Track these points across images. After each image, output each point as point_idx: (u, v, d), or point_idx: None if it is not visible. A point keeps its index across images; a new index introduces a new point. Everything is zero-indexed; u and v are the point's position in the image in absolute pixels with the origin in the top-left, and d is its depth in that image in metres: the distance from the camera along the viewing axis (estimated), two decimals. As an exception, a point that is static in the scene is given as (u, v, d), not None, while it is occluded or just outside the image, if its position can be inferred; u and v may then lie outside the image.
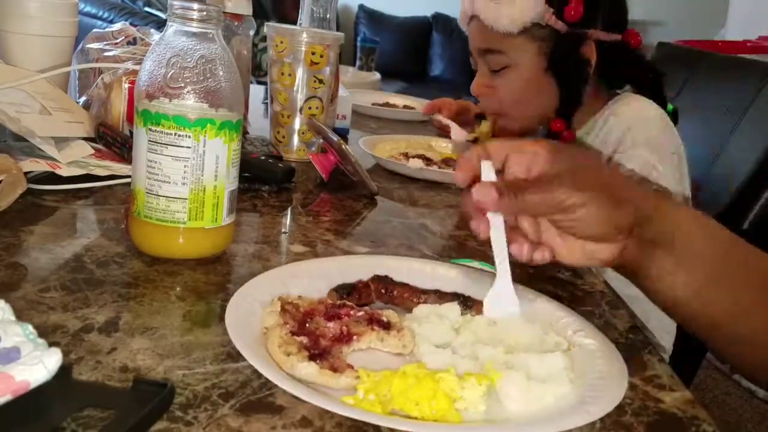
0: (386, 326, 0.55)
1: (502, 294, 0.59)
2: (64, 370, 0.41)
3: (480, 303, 0.61)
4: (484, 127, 1.45)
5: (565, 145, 0.58)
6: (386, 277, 0.63)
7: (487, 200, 0.54)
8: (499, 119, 1.22)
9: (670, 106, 1.20)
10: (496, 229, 0.57)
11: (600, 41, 1.12)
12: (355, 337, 0.53)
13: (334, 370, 0.49)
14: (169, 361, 0.49)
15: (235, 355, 0.49)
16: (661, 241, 0.57)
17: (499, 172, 0.58)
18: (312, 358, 0.49)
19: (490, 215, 0.57)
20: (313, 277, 0.63)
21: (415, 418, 0.46)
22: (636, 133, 1.09)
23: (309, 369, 0.48)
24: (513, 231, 0.58)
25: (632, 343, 0.62)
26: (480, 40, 1.18)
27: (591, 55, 1.12)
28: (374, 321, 0.56)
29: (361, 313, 0.56)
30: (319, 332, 0.53)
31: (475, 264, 0.77)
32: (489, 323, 0.58)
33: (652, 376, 0.56)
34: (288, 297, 0.57)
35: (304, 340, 0.51)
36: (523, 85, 1.16)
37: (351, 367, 0.49)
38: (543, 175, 0.55)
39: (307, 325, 0.54)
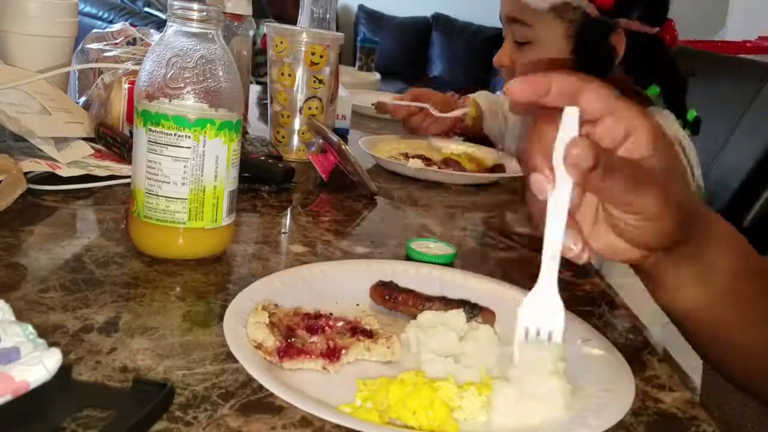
0: (369, 335, 0.54)
1: (544, 296, 0.49)
2: (64, 370, 0.41)
3: (487, 310, 0.60)
4: (473, 104, 1.44)
5: (663, 132, 0.48)
6: (390, 282, 0.62)
7: (581, 162, 0.43)
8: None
9: (692, 113, 1.15)
10: (555, 213, 0.46)
11: (632, 32, 1.07)
12: (343, 352, 0.52)
13: None
14: (169, 361, 0.49)
15: (235, 356, 0.49)
16: (690, 258, 0.53)
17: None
18: None
19: (558, 187, 0.46)
20: (316, 281, 0.63)
21: (412, 428, 0.45)
22: None
23: None
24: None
25: (632, 344, 0.62)
26: (509, 7, 1.13)
27: (619, 46, 1.07)
28: (358, 331, 0.54)
29: (341, 324, 0.55)
30: (305, 348, 0.51)
31: (433, 243, 0.77)
32: (494, 332, 0.57)
33: (651, 376, 0.56)
34: (268, 305, 0.55)
35: None
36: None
37: None
38: (639, 164, 0.46)
39: (292, 340, 0.52)
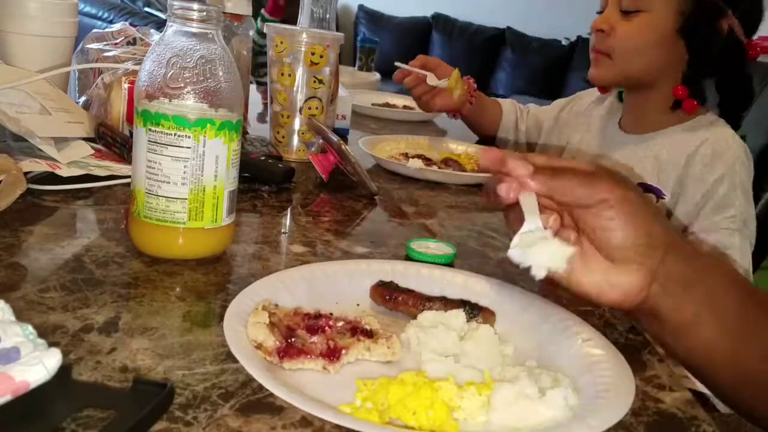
0: (370, 334, 0.54)
1: (538, 236, 0.54)
2: (64, 370, 0.41)
3: (487, 310, 0.60)
4: (454, 77, 1.45)
5: (600, 163, 0.57)
6: (391, 282, 0.62)
7: (523, 171, 0.52)
8: (601, 63, 1.19)
9: (741, 131, 1.18)
10: (527, 195, 0.54)
11: (730, 30, 1.10)
12: (343, 352, 0.52)
13: None
14: (169, 361, 0.49)
15: (235, 356, 0.49)
16: (687, 281, 0.54)
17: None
18: None
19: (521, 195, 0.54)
20: (316, 281, 0.62)
21: (412, 428, 0.45)
22: (736, 178, 1.08)
23: None
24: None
25: (632, 344, 0.62)
26: None
27: (722, 36, 1.11)
28: (358, 331, 0.54)
29: (341, 324, 0.55)
30: (306, 348, 0.51)
31: (433, 243, 0.77)
32: (494, 332, 0.57)
33: (651, 376, 0.56)
34: (268, 305, 0.55)
35: None
36: (649, 35, 1.13)
37: None
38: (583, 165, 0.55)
39: (292, 340, 0.52)
